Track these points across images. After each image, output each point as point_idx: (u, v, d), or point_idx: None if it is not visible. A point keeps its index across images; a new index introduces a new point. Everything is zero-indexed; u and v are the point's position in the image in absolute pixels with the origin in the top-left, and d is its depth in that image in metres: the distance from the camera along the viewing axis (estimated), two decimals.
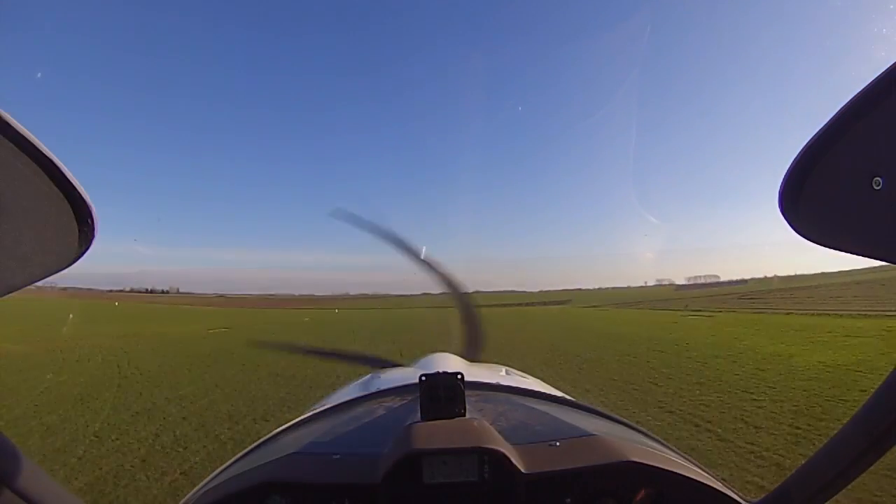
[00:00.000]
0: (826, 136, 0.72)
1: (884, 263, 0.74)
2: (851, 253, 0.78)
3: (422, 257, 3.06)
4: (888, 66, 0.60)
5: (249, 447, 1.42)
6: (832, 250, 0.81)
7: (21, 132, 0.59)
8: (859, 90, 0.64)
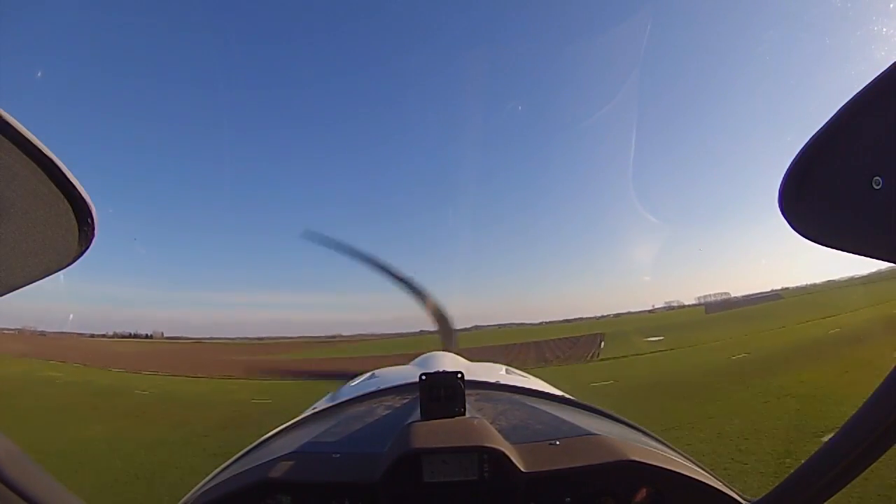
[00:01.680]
0: (826, 136, 0.73)
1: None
2: (851, 252, 0.79)
3: (387, 268, 3.28)
4: (888, 66, 0.61)
5: (250, 446, 1.43)
6: (832, 250, 0.82)
7: (21, 132, 0.59)
8: (859, 90, 0.64)
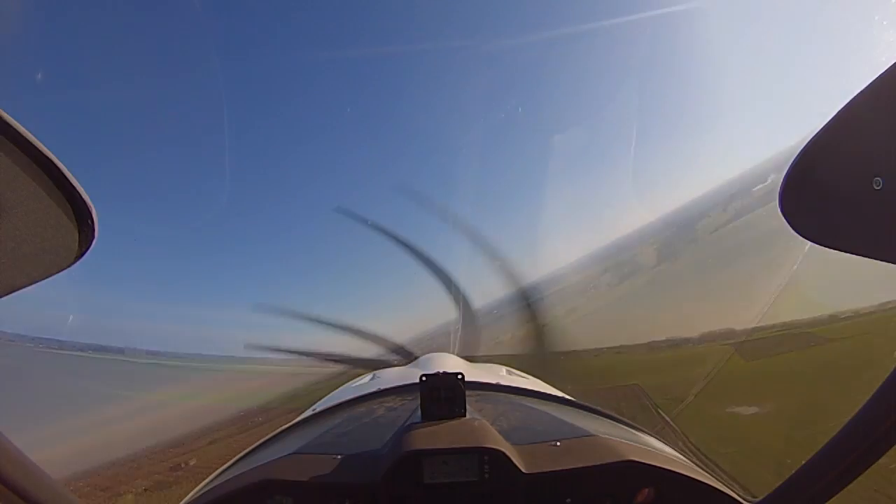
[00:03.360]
0: (826, 136, 0.73)
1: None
2: (851, 253, 0.79)
3: (426, 256, 3.17)
4: (888, 66, 0.61)
5: (251, 447, 1.44)
6: (832, 250, 0.83)
7: (21, 132, 0.60)
8: (859, 90, 0.65)
